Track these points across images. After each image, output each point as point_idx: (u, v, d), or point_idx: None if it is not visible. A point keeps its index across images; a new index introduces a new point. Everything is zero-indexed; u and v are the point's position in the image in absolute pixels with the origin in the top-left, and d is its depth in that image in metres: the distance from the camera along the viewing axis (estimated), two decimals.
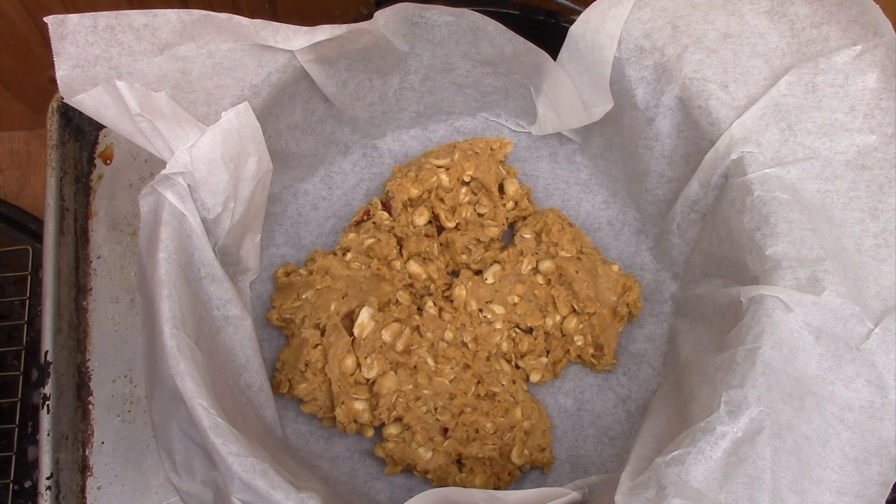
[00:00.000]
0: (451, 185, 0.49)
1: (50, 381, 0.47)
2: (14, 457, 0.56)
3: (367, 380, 0.45)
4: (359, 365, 0.45)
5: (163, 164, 0.39)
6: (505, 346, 0.47)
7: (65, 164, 0.52)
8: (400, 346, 0.45)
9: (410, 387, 0.45)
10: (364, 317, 0.45)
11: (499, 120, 0.54)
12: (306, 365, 0.45)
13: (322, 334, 0.45)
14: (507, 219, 0.50)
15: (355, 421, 0.45)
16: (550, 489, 0.38)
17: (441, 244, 0.49)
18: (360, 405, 0.45)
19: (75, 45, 0.38)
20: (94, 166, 0.54)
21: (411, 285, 0.48)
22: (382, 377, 0.45)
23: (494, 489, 0.42)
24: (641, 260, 0.50)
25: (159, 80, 0.40)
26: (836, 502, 0.34)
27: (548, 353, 0.48)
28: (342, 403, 0.44)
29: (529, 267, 0.48)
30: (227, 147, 0.40)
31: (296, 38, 0.41)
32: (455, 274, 0.50)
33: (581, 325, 0.47)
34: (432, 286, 0.48)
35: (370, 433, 0.46)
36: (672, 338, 0.47)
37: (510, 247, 0.49)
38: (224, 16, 0.39)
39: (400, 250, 0.48)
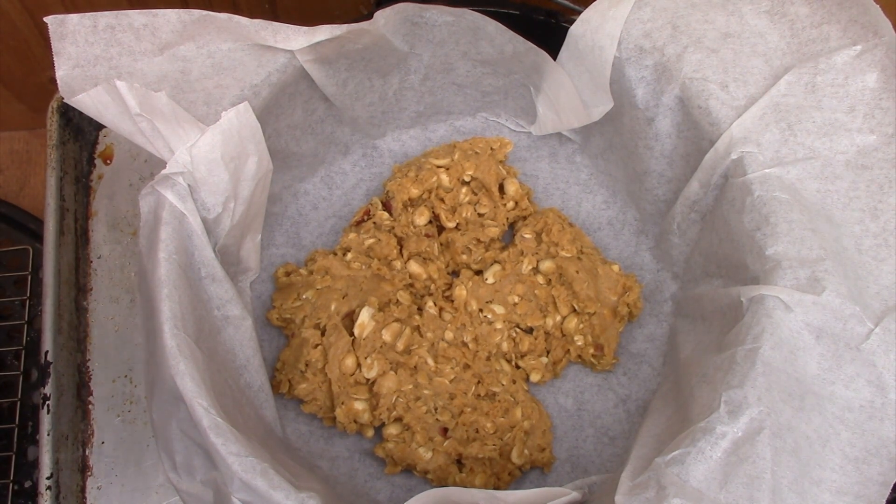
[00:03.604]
0: (452, 185, 0.49)
1: (50, 381, 0.47)
2: (14, 457, 0.56)
3: (367, 380, 0.45)
4: (359, 365, 0.45)
5: (163, 164, 0.39)
6: (505, 346, 0.47)
7: (65, 164, 0.52)
8: (400, 346, 0.45)
9: (410, 387, 0.45)
10: (364, 317, 0.45)
11: (499, 120, 0.54)
12: (306, 365, 0.45)
13: (322, 334, 0.45)
14: (508, 219, 0.50)
15: (355, 421, 0.45)
16: (550, 489, 0.38)
17: (441, 244, 0.49)
18: (360, 405, 0.45)
19: (75, 45, 0.38)
20: (94, 166, 0.54)
21: (412, 285, 0.48)
22: (382, 377, 0.45)
23: (494, 489, 0.42)
24: (641, 260, 0.50)
25: (159, 80, 0.40)
26: (836, 502, 0.34)
27: (548, 352, 0.48)
28: (342, 403, 0.44)
29: (530, 267, 0.48)
30: (227, 147, 0.40)
31: (296, 38, 0.41)
32: (455, 274, 0.50)
33: (581, 325, 0.47)
34: (432, 286, 0.48)
35: (370, 433, 0.46)
36: (672, 338, 0.47)
37: (510, 247, 0.49)
38: (224, 16, 0.39)
39: (400, 250, 0.48)
